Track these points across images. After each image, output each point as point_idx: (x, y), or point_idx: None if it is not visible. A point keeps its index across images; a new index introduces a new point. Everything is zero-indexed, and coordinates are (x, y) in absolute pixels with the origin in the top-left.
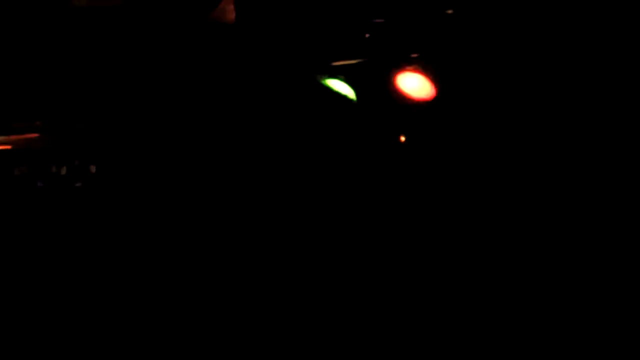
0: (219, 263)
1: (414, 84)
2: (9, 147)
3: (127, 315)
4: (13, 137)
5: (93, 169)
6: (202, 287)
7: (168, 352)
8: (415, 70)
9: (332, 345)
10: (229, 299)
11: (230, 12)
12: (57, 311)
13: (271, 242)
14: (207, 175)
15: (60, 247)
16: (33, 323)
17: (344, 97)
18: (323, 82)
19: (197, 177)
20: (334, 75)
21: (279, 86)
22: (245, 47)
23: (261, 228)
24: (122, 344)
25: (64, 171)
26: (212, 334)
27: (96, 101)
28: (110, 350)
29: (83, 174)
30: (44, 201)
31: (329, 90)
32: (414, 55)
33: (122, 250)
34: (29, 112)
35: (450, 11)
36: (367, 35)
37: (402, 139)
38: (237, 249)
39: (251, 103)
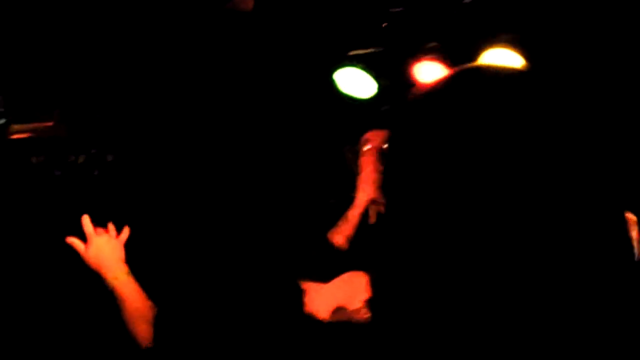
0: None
1: (432, 74)
2: (26, 135)
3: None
4: (31, 126)
5: (110, 157)
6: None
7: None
8: (433, 59)
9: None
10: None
11: (248, 1)
12: (70, 299)
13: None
14: (223, 163)
15: (77, 235)
16: (49, 308)
17: (350, 98)
18: (333, 80)
19: (212, 166)
20: (351, 64)
21: (294, 76)
22: (263, 35)
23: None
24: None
25: (81, 159)
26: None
27: (114, 90)
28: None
29: (100, 162)
30: (61, 189)
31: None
32: (432, 45)
33: (138, 238)
34: (48, 101)
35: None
36: (384, 24)
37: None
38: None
39: (266, 93)
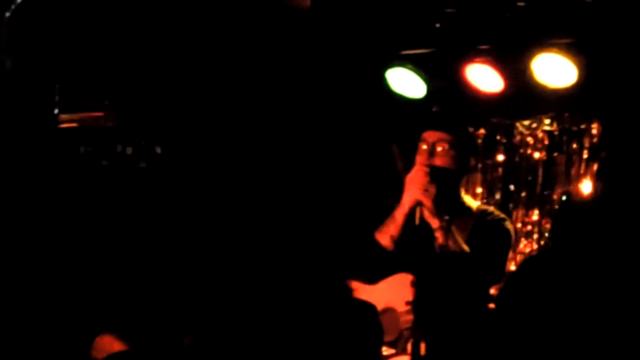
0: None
1: (483, 76)
2: (75, 124)
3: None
4: (80, 115)
5: (159, 149)
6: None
7: None
8: (484, 62)
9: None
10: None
11: None
12: (116, 286)
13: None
14: (274, 160)
15: (123, 226)
16: (94, 294)
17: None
18: (385, 80)
19: (262, 161)
20: (402, 64)
21: (348, 74)
22: (319, 32)
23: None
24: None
25: (129, 151)
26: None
27: (165, 83)
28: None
29: (148, 154)
30: (108, 180)
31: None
32: (484, 47)
33: (183, 231)
34: (98, 91)
35: (521, 3)
36: (437, 25)
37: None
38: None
39: (319, 90)
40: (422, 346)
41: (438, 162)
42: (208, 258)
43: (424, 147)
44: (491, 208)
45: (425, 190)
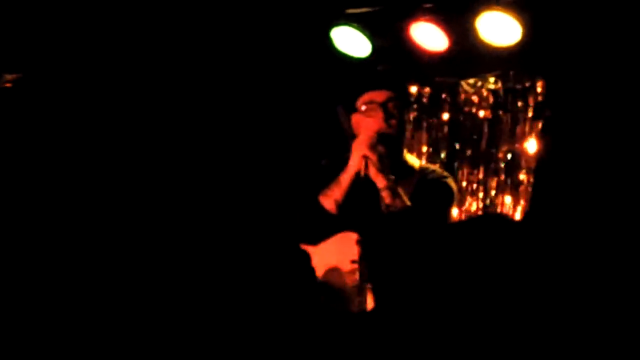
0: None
1: (428, 34)
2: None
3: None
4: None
5: None
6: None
7: None
8: (429, 20)
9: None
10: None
11: None
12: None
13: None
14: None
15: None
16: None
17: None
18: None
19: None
20: (348, 22)
21: (291, 33)
22: None
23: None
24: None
25: None
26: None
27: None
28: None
29: None
30: None
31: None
32: (429, 5)
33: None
34: None
35: None
36: None
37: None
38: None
39: (262, 49)
40: (370, 302)
41: (391, 121)
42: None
43: (370, 108)
44: (433, 166)
45: (373, 149)
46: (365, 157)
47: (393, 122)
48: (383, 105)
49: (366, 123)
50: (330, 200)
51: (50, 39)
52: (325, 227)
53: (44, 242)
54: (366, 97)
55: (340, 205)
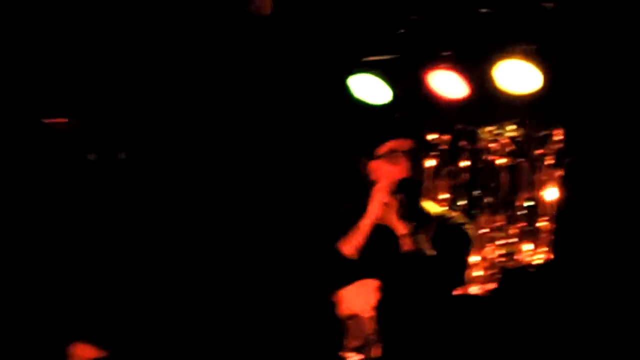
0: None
1: (446, 82)
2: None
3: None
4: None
5: (122, 155)
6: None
7: None
8: (447, 68)
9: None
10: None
11: (267, 5)
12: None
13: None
14: (234, 166)
15: (88, 231)
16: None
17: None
18: (348, 86)
19: (223, 168)
20: (366, 70)
21: (309, 81)
22: (281, 38)
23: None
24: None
25: (92, 157)
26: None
27: (126, 88)
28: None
29: (112, 160)
30: (74, 186)
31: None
32: (447, 53)
33: (148, 236)
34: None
35: (484, 10)
36: (400, 31)
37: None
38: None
39: (281, 96)
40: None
41: (405, 171)
42: (178, 263)
43: (389, 157)
44: (451, 213)
45: (393, 197)
46: (386, 205)
47: (414, 170)
48: (407, 154)
49: (387, 170)
50: (350, 246)
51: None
52: (345, 273)
53: (44, 242)
54: (389, 144)
55: (360, 252)
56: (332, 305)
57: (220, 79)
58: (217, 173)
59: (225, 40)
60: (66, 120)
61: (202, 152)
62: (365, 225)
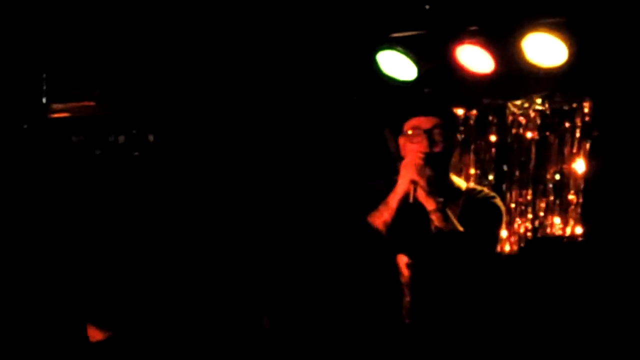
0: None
1: (473, 57)
2: (66, 114)
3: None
4: (71, 105)
5: (151, 137)
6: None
7: None
8: (474, 43)
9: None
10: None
11: None
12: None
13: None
14: (266, 144)
15: (118, 214)
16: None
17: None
18: (376, 63)
19: (253, 147)
20: (393, 46)
21: (337, 58)
22: (308, 16)
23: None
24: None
25: (122, 139)
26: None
27: (156, 71)
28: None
29: (141, 142)
30: (101, 169)
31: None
32: (474, 28)
33: (178, 218)
34: (88, 81)
35: None
36: (427, 7)
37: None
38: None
39: (308, 73)
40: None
41: (432, 147)
42: (200, 251)
43: (417, 133)
44: (480, 187)
45: (421, 173)
46: (414, 182)
47: (438, 147)
48: (428, 132)
49: (412, 147)
50: (379, 221)
51: None
52: (374, 249)
53: (44, 243)
54: (412, 122)
55: (389, 227)
56: (363, 280)
57: (248, 58)
58: (251, 151)
59: (253, 19)
60: (92, 102)
61: (234, 130)
62: (393, 200)
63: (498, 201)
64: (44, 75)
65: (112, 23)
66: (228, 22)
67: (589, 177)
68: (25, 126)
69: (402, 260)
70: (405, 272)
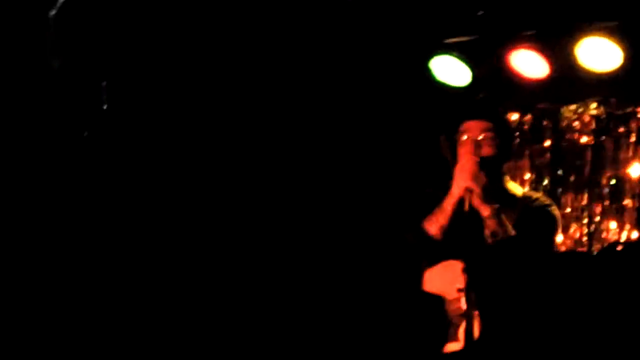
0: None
1: (528, 62)
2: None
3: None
4: None
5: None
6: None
7: None
8: (529, 48)
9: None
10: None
11: None
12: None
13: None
14: (321, 151)
15: (118, 214)
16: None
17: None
18: (429, 69)
19: (308, 152)
20: (447, 52)
21: (391, 64)
22: (363, 22)
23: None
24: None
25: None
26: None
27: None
28: None
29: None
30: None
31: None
32: (528, 33)
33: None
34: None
35: None
36: (480, 12)
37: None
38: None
39: (363, 80)
40: (476, 330)
41: (486, 152)
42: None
43: (470, 138)
44: (536, 194)
45: (476, 179)
46: (469, 189)
47: (489, 151)
48: (490, 135)
49: (469, 151)
50: (435, 225)
51: None
52: (430, 253)
53: (44, 243)
54: (464, 126)
55: (445, 232)
56: (418, 285)
57: (308, 61)
58: (310, 155)
59: (308, 24)
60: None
61: (293, 131)
62: (448, 204)
63: (554, 209)
64: (104, 83)
65: (170, 28)
66: (288, 30)
67: None
68: (85, 134)
69: (458, 266)
70: (462, 277)
